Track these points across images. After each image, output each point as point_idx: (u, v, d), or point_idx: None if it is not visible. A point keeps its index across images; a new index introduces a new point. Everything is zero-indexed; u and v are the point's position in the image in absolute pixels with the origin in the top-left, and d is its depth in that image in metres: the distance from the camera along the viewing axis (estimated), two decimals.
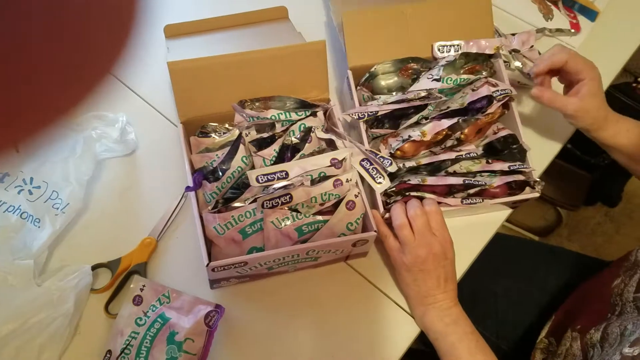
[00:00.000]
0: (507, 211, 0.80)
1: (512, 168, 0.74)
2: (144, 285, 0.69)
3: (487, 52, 0.78)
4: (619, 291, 0.72)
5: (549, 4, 0.96)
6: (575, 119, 0.75)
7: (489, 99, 0.74)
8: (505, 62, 0.78)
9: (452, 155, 0.73)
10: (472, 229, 0.77)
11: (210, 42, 0.86)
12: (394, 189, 0.72)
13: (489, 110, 0.74)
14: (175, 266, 0.72)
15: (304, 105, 0.74)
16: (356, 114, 0.72)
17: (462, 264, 0.76)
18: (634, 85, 1.31)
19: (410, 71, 0.78)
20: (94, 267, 0.70)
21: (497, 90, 0.75)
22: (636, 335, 0.61)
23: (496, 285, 0.94)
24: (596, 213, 1.70)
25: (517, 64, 0.81)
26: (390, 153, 0.71)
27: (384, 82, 0.78)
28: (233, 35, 0.86)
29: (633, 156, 0.78)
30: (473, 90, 0.76)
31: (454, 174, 0.74)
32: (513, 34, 0.85)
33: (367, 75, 0.77)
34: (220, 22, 0.86)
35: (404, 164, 0.72)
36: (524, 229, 1.64)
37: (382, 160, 0.69)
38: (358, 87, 0.77)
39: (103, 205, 0.76)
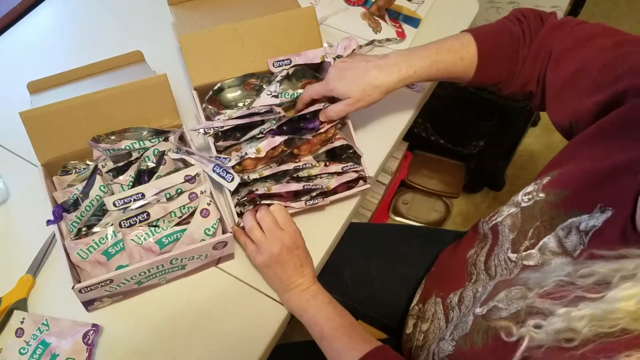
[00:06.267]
0: (353, 203, 0.90)
1: (344, 169, 0.85)
2: (23, 319, 0.74)
3: (315, 61, 0.89)
4: (472, 261, 0.80)
5: (376, 18, 1.10)
6: (368, 103, 0.84)
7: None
8: None
9: (290, 166, 0.83)
10: (323, 222, 0.88)
11: (71, 91, 0.92)
12: (245, 198, 0.81)
13: (321, 131, 0.86)
14: (54, 296, 0.78)
15: (157, 132, 0.83)
16: (202, 129, 0.81)
17: (320, 250, 0.85)
18: None
19: (252, 85, 0.88)
20: None
21: (327, 105, 0.86)
22: (485, 297, 0.70)
23: (370, 268, 1.04)
24: (485, 198, 1.86)
25: None
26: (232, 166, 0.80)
27: (230, 95, 0.87)
28: (93, 82, 0.93)
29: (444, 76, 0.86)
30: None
31: (297, 178, 0.84)
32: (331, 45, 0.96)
33: (212, 91, 0.86)
34: (81, 72, 0.93)
35: (248, 176, 0.81)
36: (422, 223, 1.77)
37: (223, 160, 0.78)
38: (204, 104, 0.86)
39: None
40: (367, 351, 0.72)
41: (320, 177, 0.87)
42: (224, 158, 0.79)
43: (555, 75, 0.78)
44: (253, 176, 0.82)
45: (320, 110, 0.86)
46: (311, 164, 0.86)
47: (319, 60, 0.89)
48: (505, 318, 0.60)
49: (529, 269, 0.66)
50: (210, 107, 0.86)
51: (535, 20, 0.83)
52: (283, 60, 0.88)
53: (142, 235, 0.73)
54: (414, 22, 1.10)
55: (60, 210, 0.74)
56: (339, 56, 0.89)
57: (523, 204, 0.73)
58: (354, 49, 0.90)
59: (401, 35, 1.08)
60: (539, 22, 0.83)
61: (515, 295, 0.62)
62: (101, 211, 0.75)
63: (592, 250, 0.55)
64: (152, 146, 0.81)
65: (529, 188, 0.73)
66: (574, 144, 0.72)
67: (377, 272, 1.04)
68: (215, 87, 0.86)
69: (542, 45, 0.80)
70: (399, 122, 1.01)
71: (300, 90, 0.89)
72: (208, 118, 0.86)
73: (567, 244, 0.62)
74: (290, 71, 0.89)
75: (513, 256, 0.70)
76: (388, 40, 1.07)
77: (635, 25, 2.22)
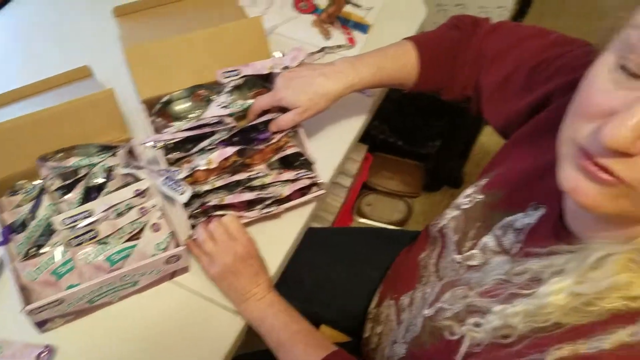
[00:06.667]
0: (309, 209, 0.91)
1: (297, 176, 0.86)
2: None
3: (263, 72, 0.89)
4: (424, 264, 0.82)
5: (327, 25, 1.11)
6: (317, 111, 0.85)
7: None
8: None
9: (243, 176, 0.84)
10: (279, 229, 0.89)
11: (18, 110, 0.90)
12: (198, 210, 0.81)
13: (273, 141, 0.86)
14: (6, 319, 0.76)
15: (105, 148, 0.82)
16: (151, 142, 0.81)
17: (277, 258, 0.86)
18: None
19: (201, 97, 0.88)
20: None
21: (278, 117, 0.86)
22: (432, 298, 0.72)
23: (331, 272, 1.05)
24: (444, 196, 1.90)
25: None
26: (183, 178, 0.80)
27: (180, 107, 0.87)
28: (40, 100, 0.91)
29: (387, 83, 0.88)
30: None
31: (250, 187, 0.85)
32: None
33: (161, 103, 0.85)
34: (27, 91, 0.91)
35: (200, 188, 0.81)
36: (385, 223, 1.80)
37: (173, 172, 0.78)
38: (152, 117, 0.85)
39: None
40: (322, 357, 0.73)
41: (274, 185, 0.88)
42: (173, 170, 0.79)
43: (490, 78, 0.81)
44: (205, 188, 0.82)
45: (271, 120, 0.87)
46: (264, 173, 0.87)
47: (266, 71, 0.90)
48: (449, 318, 0.62)
49: (472, 269, 0.68)
50: (158, 119, 0.85)
51: (471, 25, 0.86)
52: (232, 71, 0.89)
53: (91, 253, 0.73)
54: (363, 28, 1.12)
55: (8, 232, 0.73)
56: (286, 67, 0.89)
57: (464, 206, 0.75)
58: (303, 60, 0.91)
59: (351, 41, 1.10)
60: (475, 27, 0.85)
61: (459, 295, 0.64)
62: (50, 231, 0.75)
63: (527, 248, 0.58)
64: (101, 162, 0.80)
65: (469, 190, 0.75)
66: (509, 145, 0.75)
67: (337, 276, 1.05)
68: (164, 99, 0.86)
69: (478, 50, 0.83)
70: (352, 126, 1.03)
71: (250, 101, 0.89)
72: (157, 131, 0.86)
73: (505, 242, 0.64)
74: (240, 82, 0.89)
75: (458, 257, 0.72)
76: (339, 46, 1.09)
77: (584, 23, 2.29)
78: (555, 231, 0.58)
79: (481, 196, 0.72)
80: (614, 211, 0.46)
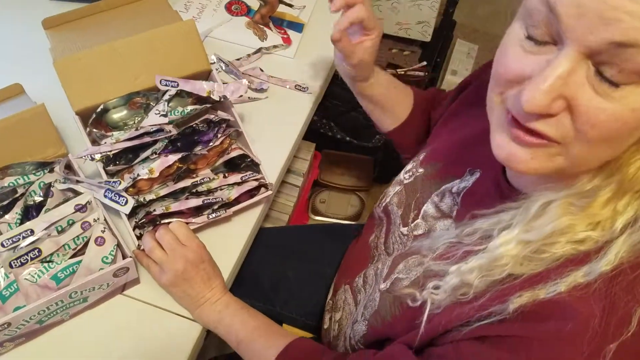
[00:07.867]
0: (259, 210, 0.92)
1: (244, 178, 0.86)
2: None
3: (201, 94, 0.86)
4: (374, 245, 0.84)
5: (261, 26, 1.12)
6: (354, 68, 0.85)
7: (211, 124, 0.86)
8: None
9: (188, 182, 0.83)
10: (230, 232, 0.89)
11: None
12: (144, 220, 0.80)
13: (216, 143, 0.86)
14: None
15: (41, 165, 0.80)
16: (88, 155, 0.79)
17: (230, 260, 0.86)
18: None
19: (138, 104, 0.87)
20: None
21: (217, 118, 0.87)
22: (385, 272, 0.74)
23: (288, 270, 1.06)
24: None
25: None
26: (125, 189, 0.79)
27: (117, 115, 0.85)
28: None
29: (380, 103, 0.95)
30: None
31: (196, 193, 0.84)
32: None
33: (96, 113, 0.83)
34: None
35: (144, 198, 0.80)
36: (341, 219, 1.82)
37: (113, 184, 0.77)
38: (88, 128, 0.83)
39: None
40: (283, 347, 0.73)
41: (221, 189, 0.87)
42: (113, 182, 0.77)
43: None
44: (149, 197, 0.81)
45: (213, 121, 0.87)
46: (209, 178, 0.86)
47: (204, 94, 0.87)
48: (408, 286, 0.64)
49: (419, 238, 0.70)
50: (95, 130, 0.83)
51: None
52: (171, 82, 0.87)
53: (35, 273, 0.71)
54: (298, 27, 1.13)
55: None
56: (224, 97, 0.88)
57: (405, 181, 0.78)
58: (241, 95, 0.90)
59: (287, 41, 1.10)
60: None
61: (413, 264, 0.66)
62: None
63: (472, 210, 0.59)
64: (37, 179, 0.78)
65: (409, 166, 0.79)
66: (442, 121, 0.79)
67: (293, 274, 1.06)
68: (99, 109, 0.84)
69: None
70: (295, 124, 1.03)
71: (191, 107, 0.88)
72: (95, 142, 0.84)
73: (443, 206, 0.68)
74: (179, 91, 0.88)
75: (404, 230, 0.74)
76: (275, 47, 1.09)
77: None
78: (499, 191, 0.61)
79: (421, 170, 0.75)
80: (550, 170, 0.49)
